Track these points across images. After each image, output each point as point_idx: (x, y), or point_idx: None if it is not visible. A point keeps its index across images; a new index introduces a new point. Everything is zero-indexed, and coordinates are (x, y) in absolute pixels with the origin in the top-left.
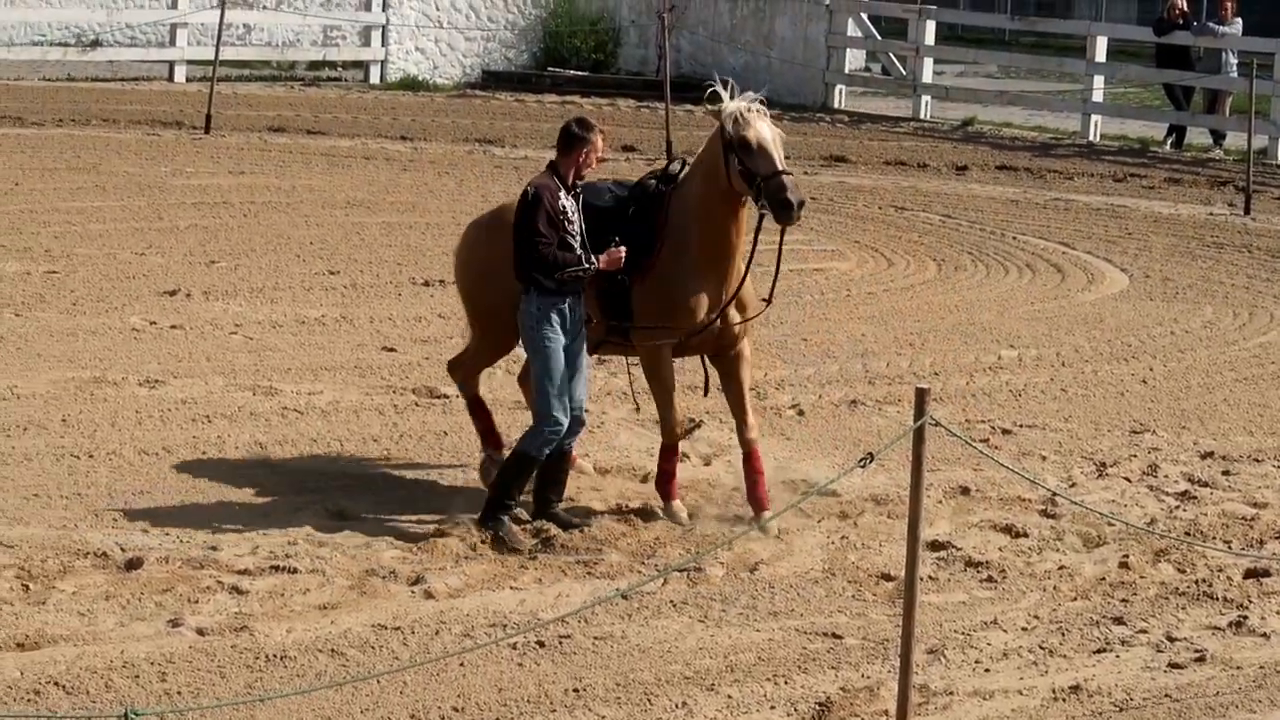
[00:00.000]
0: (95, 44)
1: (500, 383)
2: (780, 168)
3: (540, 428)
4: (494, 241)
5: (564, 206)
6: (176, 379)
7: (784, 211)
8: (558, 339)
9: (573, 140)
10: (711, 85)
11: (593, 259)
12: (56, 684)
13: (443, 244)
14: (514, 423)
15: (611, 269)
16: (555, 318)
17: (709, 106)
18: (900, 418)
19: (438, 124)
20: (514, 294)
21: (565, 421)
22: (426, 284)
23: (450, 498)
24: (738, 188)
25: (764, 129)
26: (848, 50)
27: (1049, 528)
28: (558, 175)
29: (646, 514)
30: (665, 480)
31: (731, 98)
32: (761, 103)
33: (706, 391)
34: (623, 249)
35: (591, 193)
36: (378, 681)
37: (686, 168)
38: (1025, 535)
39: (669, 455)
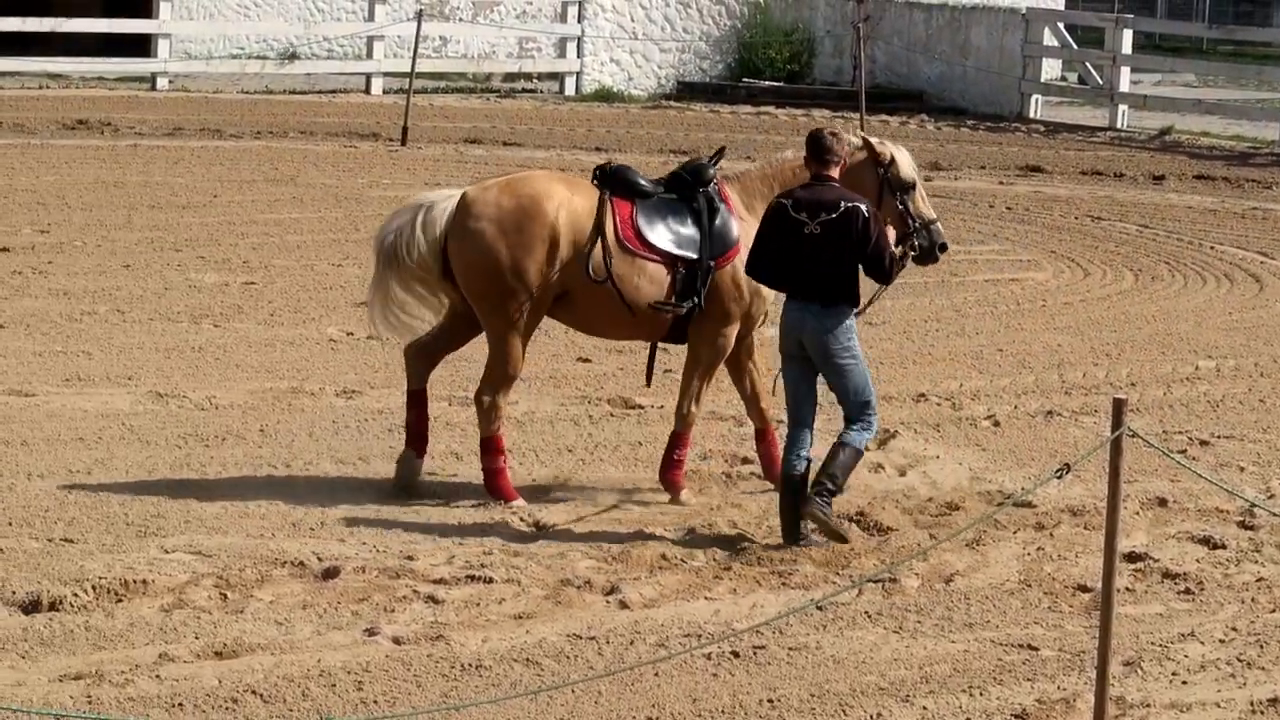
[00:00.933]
0: (293, 57)
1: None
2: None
3: (870, 420)
4: (529, 212)
5: None
6: (373, 389)
7: (940, 253)
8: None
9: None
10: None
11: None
12: (254, 692)
13: None
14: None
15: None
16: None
17: (858, 138)
18: (1097, 428)
19: (632, 135)
20: (548, 271)
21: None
22: None
23: (645, 508)
24: (893, 225)
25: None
26: (1044, 59)
27: (1247, 539)
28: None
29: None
30: (676, 469)
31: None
32: None
33: (649, 381)
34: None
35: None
36: (572, 691)
37: (724, 164)
38: (1223, 547)
39: (684, 443)
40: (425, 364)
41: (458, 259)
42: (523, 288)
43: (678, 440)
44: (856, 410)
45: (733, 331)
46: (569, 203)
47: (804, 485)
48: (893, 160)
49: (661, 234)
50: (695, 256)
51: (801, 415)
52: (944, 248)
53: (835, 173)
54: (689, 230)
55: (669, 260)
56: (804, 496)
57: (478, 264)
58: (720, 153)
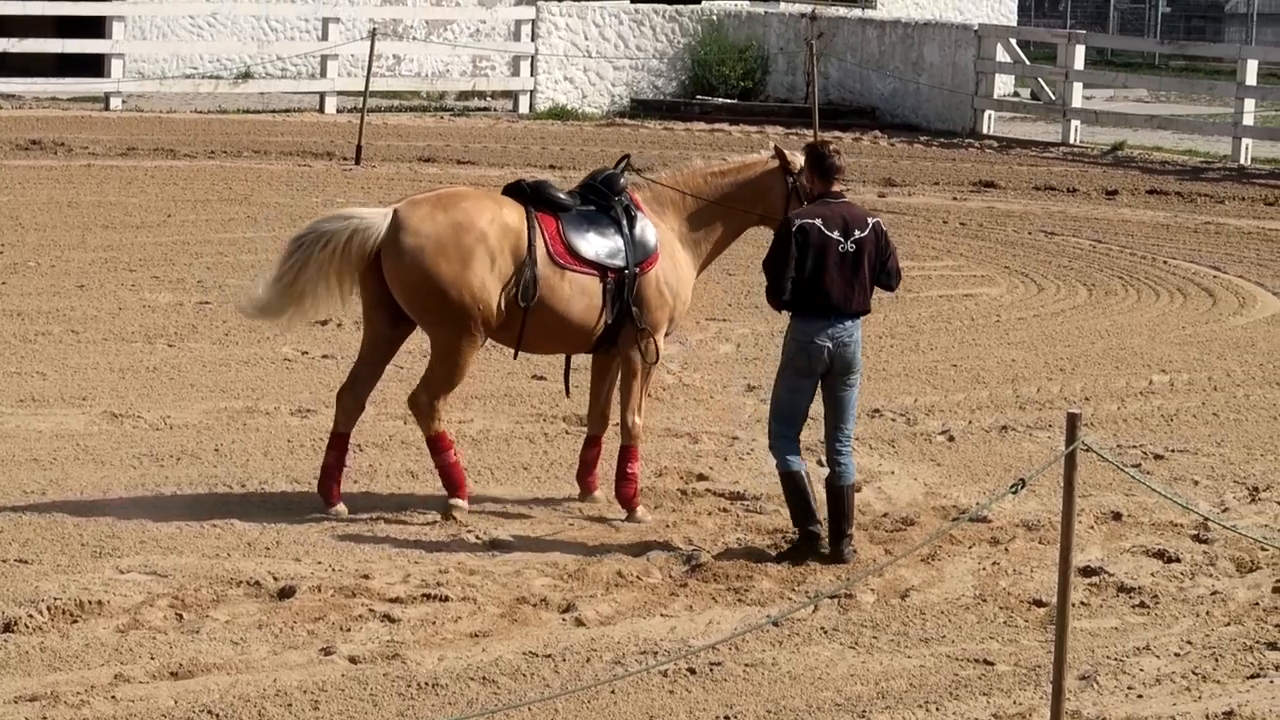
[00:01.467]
0: (247, 76)
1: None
2: None
3: (781, 450)
4: (464, 227)
5: None
6: (329, 408)
7: None
8: None
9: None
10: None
11: None
12: (210, 712)
13: None
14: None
15: None
16: None
17: (773, 148)
18: (1051, 443)
19: (587, 153)
20: (490, 285)
21: None
22: None
23: (601, 525)
24: None
25: None
26: (997, 75)
27: (1202, 553)
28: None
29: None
30: (629, 484)
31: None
32: None
33: (568, 392)
34: None
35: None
36: (529, 709)
37: (632, 171)
38: (1178, 560)
39: (635, 456)
40: (356, 405)
41: (396, 277)
42: (467, 302)
43: (628, 454)
44: (850, 430)
45: (660, 339)
46: (500, 218)
47: (809, 481)
48: (801, 169)
49: (590, 246)
50: (622, 265)
51: (799, 428)
52: None
53: (840, 188)
54: (613, 240)
55: (600, 271)
56: (838, 552)
57: (418, 281)
58: (626, 161)
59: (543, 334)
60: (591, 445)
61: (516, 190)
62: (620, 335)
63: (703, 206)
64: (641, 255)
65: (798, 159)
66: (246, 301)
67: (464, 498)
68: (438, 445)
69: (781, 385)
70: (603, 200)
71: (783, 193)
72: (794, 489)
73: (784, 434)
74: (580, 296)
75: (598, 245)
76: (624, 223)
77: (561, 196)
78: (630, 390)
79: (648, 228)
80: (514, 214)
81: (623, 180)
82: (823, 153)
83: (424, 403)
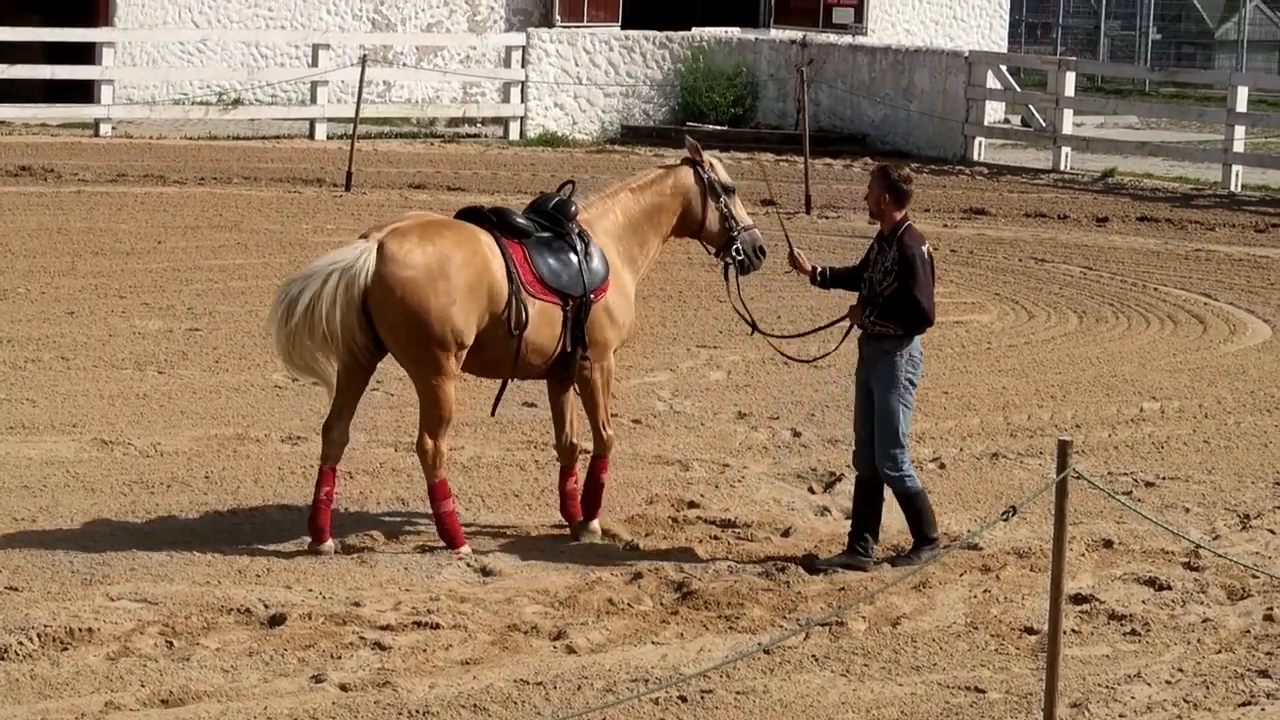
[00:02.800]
0: (237, 102)
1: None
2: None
3: (904, 467)
4: (454, 258)
5: None
6: (318, 435)
7: (760, 259)
8: None
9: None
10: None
11: None
12: None
13: None
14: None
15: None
16: None
17: (687, 152)
18: (1042, 470)
19: (578, 179)
20: (476, 315)
21: None
22: None
23: (591, 553)
24: (711, 227)
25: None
26: (987, 102)
27: (1193, 580)
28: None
29: (788, 568)
30: (599, 493)
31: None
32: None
33: (494, 411)
34: None
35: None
36: None
37: (581, 194)
38: (1169, 588)
39: (605, 466)
40: (342, 439)
41: (384, 310)
42: (451, 333)
43: (600, 465)
44: None
45: (612, 356)
46: (483, 248)
47: None
48: (713, 165)
49: (555, 274)
50: (580, 293)
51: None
52: (763, 251)
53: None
54: (571, 267)
55: (562, 299)
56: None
57: (407, 314)
58: (572, 187)
59: (506, 359)
60: (566, 476)
61: (479, 217)
62: (575, 360)
63: (635, 223)
64: (596, 281)
65: (707, 156)
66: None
67: (463, 545)
68: (437, 493)
69: (905, 406)
70: (557, 226)
71: (700, 191)
72: (927, 504)
73: (906, 452)
74: (546, 325)
75: (560, 273)
76: (578, 249)
77: (524, 223)
78: (595, 405)
79: (598, 252)
80: (492, 244)
81: (574, 207)
82: (898, 178)
83: (429, 447)
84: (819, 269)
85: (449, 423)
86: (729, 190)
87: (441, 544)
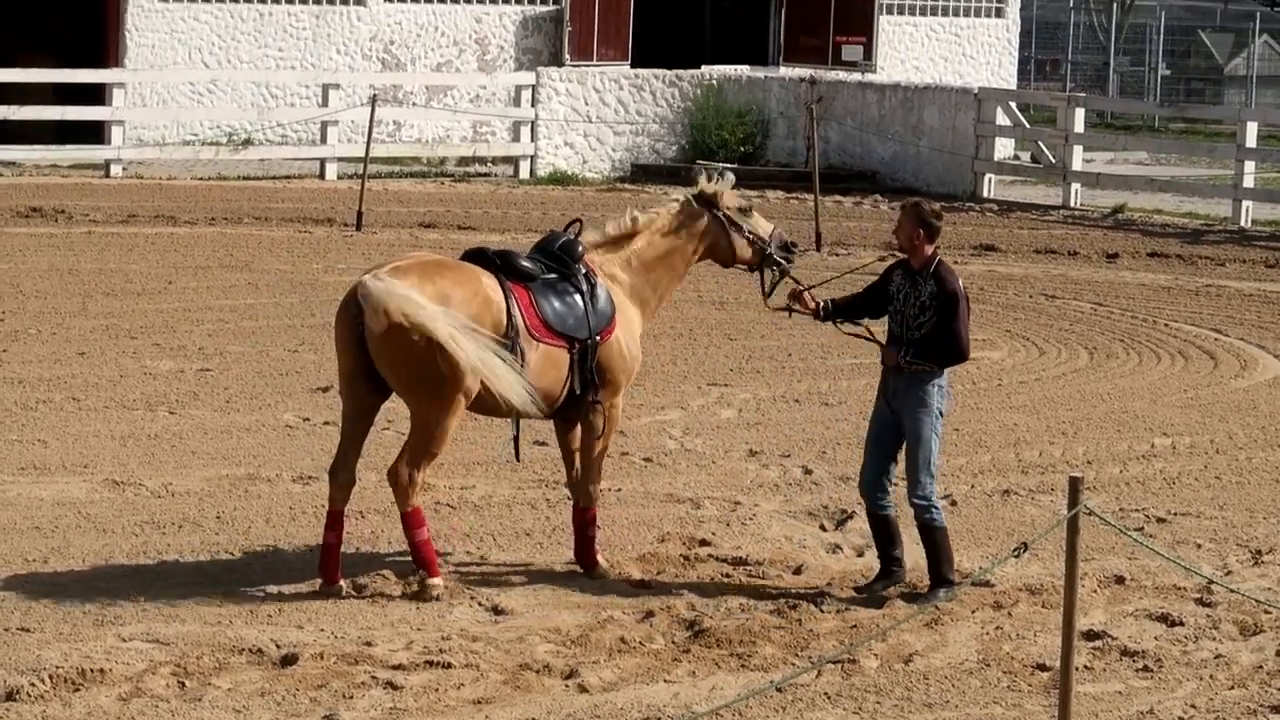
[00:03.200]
0: (247, 143)
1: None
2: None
3: (932, 498)
4: (453, 297)
5: None
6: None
7: (794, 254)
8: None
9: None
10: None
11: None
12: None
13: None
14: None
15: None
16: None
17: (696, 189)
18: (1054, 507)
19: (588, 218)
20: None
21: None
22: None
23: (603, 591)
24: (743, 254)
25: None
26: (996, 139)
27: (1205, 616)
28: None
29: (799, 605)
30: (591, 546)
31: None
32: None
33: (518, 456)
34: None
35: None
36: None
37: (593, 229)
38: (1181, 624)
39: (593, 519)
40: (349, 481)
41: (385, 348)
42: (453, 372)
43: (587, 515)
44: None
45: (620, 400)
46: (483, 290)
47: None
48: (720, 195)
49: (561, 318)
50: (586, 336)
51: None
52: (794, 245)
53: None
54: (577, 310)
55: (568, 343)
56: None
57: (409, 353)
58: (579, 225)
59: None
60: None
61: (483, 259)
62: (582, 402)
63: (646, 265)
64: (602, 323)
65: (721, 188)
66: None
67: (438, 575)
68: (411, 521)
69: (936, 436)
70: (564, 268)
71: (722, 230)
72: (947, 542)
73: (934, 484)
74: (551, 369)
75: (565, 316)
76: (585, 291)
77: (529, 266)
78: (591, 455)
79: (605, 294)
80: (494, 285)
81: (580, 247)
82: (929, 213)
83: (404, 476)
84: (822, 304)
85: (435, 459)
86: (745, 212)
87: (432, 598)
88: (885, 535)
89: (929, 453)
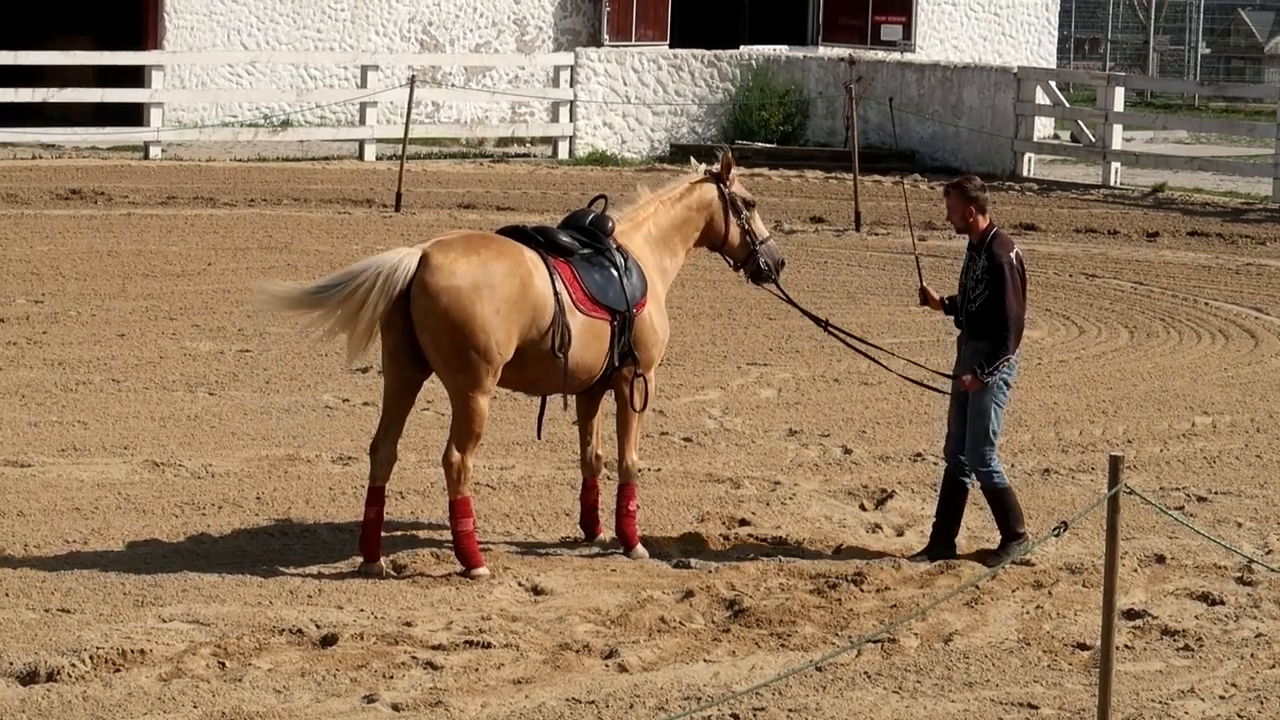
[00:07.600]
0: (286, 124)
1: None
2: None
3: (993, 464)
4: (497, 269)
5: None
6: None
7: (779, 271)
8: None
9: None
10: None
11: None
12: None
13: None
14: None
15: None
16: None
17: (703, 166)
18: (1094, 486)
19: (627, 198)
20: (517, 330)
21: None
22: None
23: (642, 572)
24: (733, 241)
25: None
26: (1036, 118)
27: (1246, 595)
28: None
29: (839, 584)
30: (629, 520)
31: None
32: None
33: (540, 433)
34: None
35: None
36: None
37: (612, 207)
38: (1222, 603)
39: (633, 494)
40: (390, 457)
41: (428, 318)
42: (494, 343)
43: (627, 492)
44: None
45: (654, 374)
46: (527, 264)
47: None
48: (733, 180)
49: (603, 290)
50: (624, 308)
51: None
52: (782, 264)
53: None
54: (615, 283)
55: (610, 314)
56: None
57: (451, 322)
58: (604, 201)
59: (550, 377)
60: (589, 490)
61: (523, 235)
62: (617, 376)
63: (665, 236)
64: (637, 295)
65: (730, 161)
66: (269, 294)
67: (480, 564)
68: (459, 510)
69: (998, 406)
70: (597, 243)
71: (723, 207)
72: (1014, 499)
73: (995, 450)
74: (595, 341)
75: (606, 289)
76: (619, 265)
77: (568, 241)
78: (628, 429)
79: (637, 267)
80: (536, 259)
81: (610, 222)
82: (973, 188)
83: (456, 461)
84: (944, 299)
85: (479, 439)
86: (749, 205)
87: (492, 562)
88: (952, 505)
89: (988, 424)
